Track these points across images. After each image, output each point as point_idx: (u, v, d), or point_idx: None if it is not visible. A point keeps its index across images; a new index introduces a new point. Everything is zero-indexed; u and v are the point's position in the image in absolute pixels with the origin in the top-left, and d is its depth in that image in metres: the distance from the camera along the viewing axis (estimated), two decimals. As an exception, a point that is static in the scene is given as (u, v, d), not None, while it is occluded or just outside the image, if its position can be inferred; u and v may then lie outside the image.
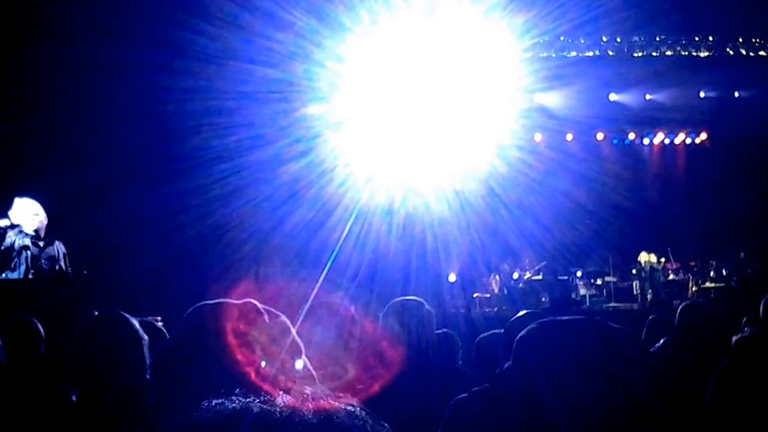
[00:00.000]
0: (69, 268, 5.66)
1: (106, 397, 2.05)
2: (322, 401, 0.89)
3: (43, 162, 8.21)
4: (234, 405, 0.84)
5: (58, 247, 5.59)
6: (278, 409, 0.84)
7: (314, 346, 2.32)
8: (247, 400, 0.85)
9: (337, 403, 0.89)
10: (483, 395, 2.48)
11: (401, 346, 2.81)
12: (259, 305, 1.55)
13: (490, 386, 2.43)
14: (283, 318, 1.57)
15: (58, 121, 8.59)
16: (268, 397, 0.87)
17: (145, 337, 2.18)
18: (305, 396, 0.90)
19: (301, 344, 1.58)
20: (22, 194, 5.54)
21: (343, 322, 2.64)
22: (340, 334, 2.58)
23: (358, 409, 0.89)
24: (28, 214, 5.45)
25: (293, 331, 1.58)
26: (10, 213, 5.42)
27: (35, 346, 3.45)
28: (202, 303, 1.54)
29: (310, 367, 1.64)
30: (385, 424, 0.90)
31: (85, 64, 8.59)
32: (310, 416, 0.84)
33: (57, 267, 5.54)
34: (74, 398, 2.11)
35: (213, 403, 0.84)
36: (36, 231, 5.45)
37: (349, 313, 2.72)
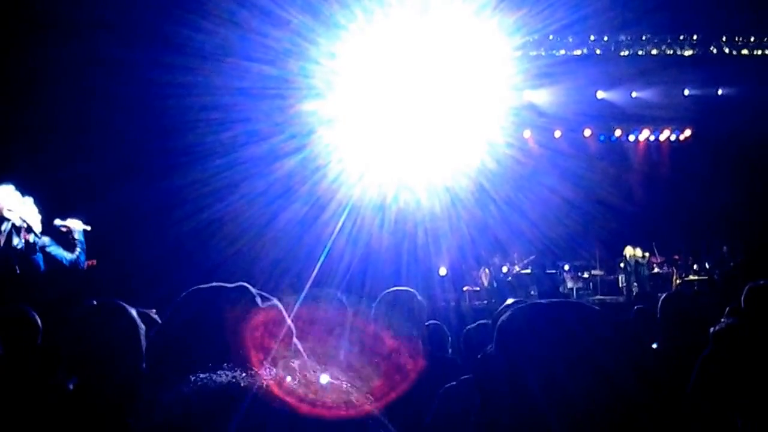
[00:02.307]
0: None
1: (103, 385, 2.05)
2: (308, 375, 0.90)
3: (38, 156, 8.21)
4: (222, 379, 0.84)
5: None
6: (265, 383, 0.85)
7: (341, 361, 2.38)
8: (235, 374, 0.85)
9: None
10: (471, 383, 2.55)
11: (418, 356, 2.83)
12: (252, 289, 1.55)
13: (473, 370, 2.46)
14: (276, 302, 1.56)
15: (54, 116, 8.61)
16: (256, 370, 0.89)
17: (143, 326, 2.17)
18: (293, 370, 0.92)
19: (294, 328, 1.58)
20: None
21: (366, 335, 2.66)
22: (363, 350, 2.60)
23: (345, 385, 0.90)
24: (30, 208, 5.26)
25: (286, 314, 1.58)
26: (11, 215, 5.16)
27: (32, 337, 3.41)
28: (196, 287, 1.54)
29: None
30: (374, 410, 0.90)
31: (81, 59, 8.56)
32: None
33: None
34: (71, 387, 2.11)
35: (201, 377, 0.85)
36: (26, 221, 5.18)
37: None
